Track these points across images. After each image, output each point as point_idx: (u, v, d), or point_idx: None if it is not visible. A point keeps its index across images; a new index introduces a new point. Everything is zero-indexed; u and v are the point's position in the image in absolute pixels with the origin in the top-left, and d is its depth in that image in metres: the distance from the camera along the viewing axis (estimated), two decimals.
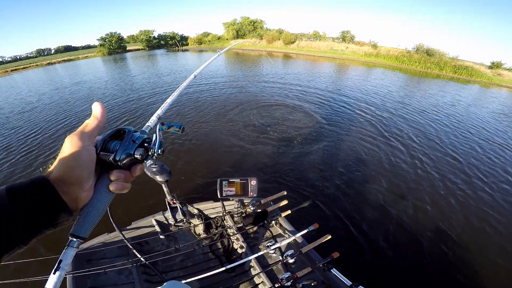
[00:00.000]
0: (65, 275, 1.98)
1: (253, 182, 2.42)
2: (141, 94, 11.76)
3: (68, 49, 69.83)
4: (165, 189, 2.28)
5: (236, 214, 2.77)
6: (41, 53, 66.66)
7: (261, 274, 2.24)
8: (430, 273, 3.26)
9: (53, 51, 67.99)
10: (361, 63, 26.14)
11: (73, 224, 0.50)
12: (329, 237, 2.24)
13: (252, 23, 44.45)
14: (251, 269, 2.48)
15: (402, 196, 4.67)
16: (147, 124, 0.77)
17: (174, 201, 2.45)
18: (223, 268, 2.10)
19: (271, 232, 2.79)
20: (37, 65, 48.98)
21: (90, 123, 0.51)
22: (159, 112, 0.91)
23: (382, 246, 3.58)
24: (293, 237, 2.38)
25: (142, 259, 2.08)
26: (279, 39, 38.31)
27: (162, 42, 54.63)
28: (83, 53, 57.95)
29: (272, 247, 2.31)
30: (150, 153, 0.59)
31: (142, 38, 52.67)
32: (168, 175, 2.03)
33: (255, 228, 2.83)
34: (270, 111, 8.92)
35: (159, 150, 0.59)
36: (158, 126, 0.62)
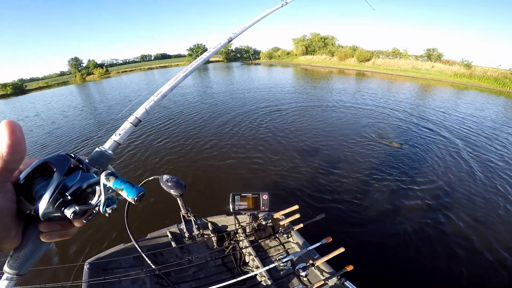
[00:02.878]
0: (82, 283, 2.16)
1: (264, 197, 2.44)
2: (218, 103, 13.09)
3: (164, 56, 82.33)
4: (180, 202, 2.31)
5: (248, 227, 2.75)
6: (144, 58, 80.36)
7: (272, 286, 2.21)
8: None
9: (152, 57, 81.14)
10: (449, 84, 22.40)
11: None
12: (343, 250, 2.20)
13: (323, 39, 43.67)
14: (263, 281, 2.42)
15: (428, 210, 4.42)
16: (112, 139, 0.51)
17: (189, 215, 2.48)
18: (235, 280, 2.08)
19: (283, 245, 2.74)
20: (140, 69, 59.29)
21: None
22: (138, 114, 0.58)
23: (399, 260, 3.42)
24: (306, 250, 2.34)
25: (156, 269, 2.12)
26: (353, 57, 36.41)
27: (238, 55, 59.14)
28: (175, 61, 67.66)
29: (284, 260, 2.26)
30: (94, 210, 0.41)
31: (222, 51, 58.13)
32: (183, 189, 2.03)
33: (267, 241, 2.81)
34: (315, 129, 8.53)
35: (109, 209, 0.40)
36: (102, 178, 0.40)
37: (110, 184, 0.39)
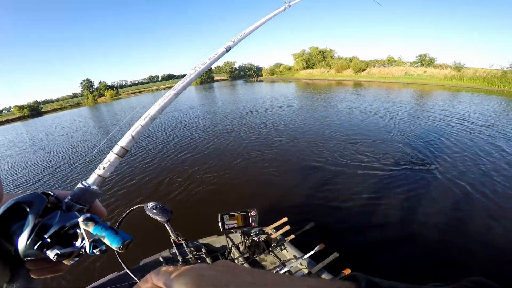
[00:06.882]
0: None
1: (253, 213, 2.40)
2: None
3: (171, 77, 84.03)
4: (168, 228, 2.19)
5: (241, 245, 2.68)
6: (151, 79, 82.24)
7: None
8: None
9: (160, 78, 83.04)
10: (441, 87, 22.50)
11: None
12: (337, 255, 2.19)
13: (322, 52, 44.14)
14: None
15: (407, 209, 4.42)
16: (96, 173, 0.46)
17: (179, 239, 2.39)
18: None
19: (278, 258, 2.65)
20: (149, 90, 60.55)
21: None
22: (123, 143, 0.51)
23: (392, 255, 3.45)
24: (301, 260, 2.31)
25: None
26: (349, 68, 36.74)
27: (241, 73, 60.32)
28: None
29: (282, 272, 2.20)
30: (80, 251, 0.37)
31: (226, 69, 59.42)
32: (169, 214, 1.94)
33: (262, 256, 2.74)
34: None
35: (96, 250, 0.36)
36: (81, 223, 0.35)
37: (90, 229, 0.35)
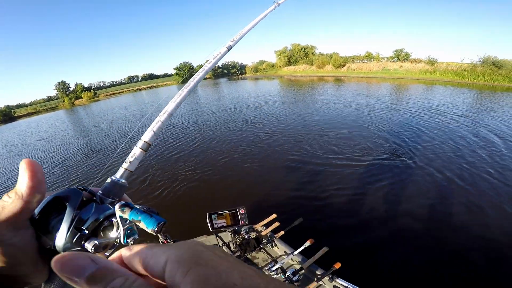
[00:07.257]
0: None
1: (241, 211, 2.37)
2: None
3: (151, 77, 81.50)
4: None
5: (232, 243, 2.66)
6: (131, 79, 79.22)
7: None
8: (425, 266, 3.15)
9: (140, 78, 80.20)
10: (416, 81, 23.61)
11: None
12: (327, 249, 2.20)
13: (303, 49, 44.60)
14: None
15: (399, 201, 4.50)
16: (123, 167, 0.47)
17: (168, 240, 2.37)
18: None
19: (269, 254, 2.66)
20: (128, 90, 58.36)
21: (7, 207, 0.31)
22: (146, 137, 0.53)
23: (379, 246, 3.50)
24: (292, 255, 2.33)
25: None
26: (329, 64, 37.46)
27: (225, 71, 59.61)
28: (162, 81, 67.04)
29: (273, 269, 2.21)
30: (115, 242, 0.38)
31: None
32: None
33: (253, 254, 2.74)
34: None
35: (130, 239, 0.37)
36: (117, 210, 0.36)
37: (126, 215, 0.36)
